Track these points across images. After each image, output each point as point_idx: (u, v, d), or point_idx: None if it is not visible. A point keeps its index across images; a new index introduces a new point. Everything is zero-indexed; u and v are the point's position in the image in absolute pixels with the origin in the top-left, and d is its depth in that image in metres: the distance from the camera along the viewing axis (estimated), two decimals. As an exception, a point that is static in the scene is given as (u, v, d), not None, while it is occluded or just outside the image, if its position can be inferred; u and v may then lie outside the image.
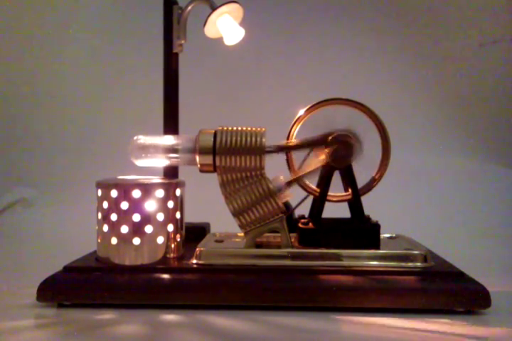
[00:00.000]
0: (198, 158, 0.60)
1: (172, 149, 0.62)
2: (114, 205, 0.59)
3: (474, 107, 1.16)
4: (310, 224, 0.62)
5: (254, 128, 0.61)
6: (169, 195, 0.60)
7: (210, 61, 1.12)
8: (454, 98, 1.17)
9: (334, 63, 1.16)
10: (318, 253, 0.59)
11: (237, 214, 0.60)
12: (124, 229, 0.58)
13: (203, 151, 0.60)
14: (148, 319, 0.53)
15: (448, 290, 0.54)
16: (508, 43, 1.14)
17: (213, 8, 0.70)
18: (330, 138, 0.61)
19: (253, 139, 0.60)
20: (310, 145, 0.62)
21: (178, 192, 0.62)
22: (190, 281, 0.56)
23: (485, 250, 0.89)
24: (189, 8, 0.72)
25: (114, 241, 0.59)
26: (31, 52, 1.20)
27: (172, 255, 0.61)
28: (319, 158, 0.62)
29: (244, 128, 0.61)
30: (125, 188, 0.58)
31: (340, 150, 0.60)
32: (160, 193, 0.59)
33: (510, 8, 1.14)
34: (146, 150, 0.62)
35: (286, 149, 0.63)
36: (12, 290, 0.63)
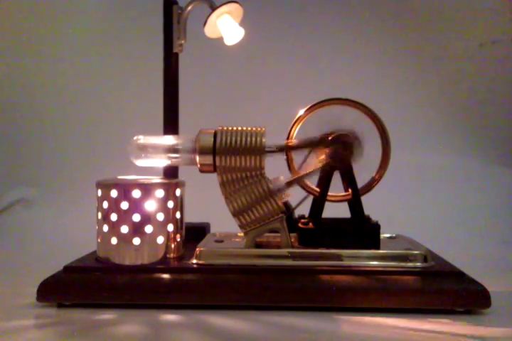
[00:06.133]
0: (198, 158, 0.60)
1: (172, 149, 0.62)
2: (114, 205, 0.59)
3: (474, 107, 1.16)
4: (310, 224, 0.62)
5: (254, 128, 0.61)
6: (169, 195, 0.60)
7: (210, 61, 1.12)
8: (454, 98, 1.17)
9: (334, 63, 1.16)
10: (318, 253, 0.59)
11: (237, 214, 0.60)
12: (124, 229, 0.58)
13: (203, 151, 0.60)
14: (148, 319, 0.53)
15: (448, 290, 0.54)
16: (508, 43, 1.14)
17: (213, 8, 0.70)
18: (330, 138, 0.61)
19: (253, 139, 0.60)
20: (310, 145, 0.62)
21: (178, 192, 0.62)
22: (190, 281, 0.56)
23: (485, 250, 0.89)
24: (189, 8, 0.72)
25: (114, 241, 0.59)
26: (31, 52, 1.19)
27: (172, 255, 0.61)
28: (319, 158, 0.62)
29: (244, 128, 0.61)
30: (125, 188, 0.58)
31: (341, 150, 0.61)
32: (160, 193, 0.59)
33: (510, 8, 1.14)
34: (146, 150, 0.62)
35: (287, 149, 0.63)
36: (12, 290, 0.63)
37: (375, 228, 0.61)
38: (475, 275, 0.57)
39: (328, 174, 0.62)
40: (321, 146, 0.61)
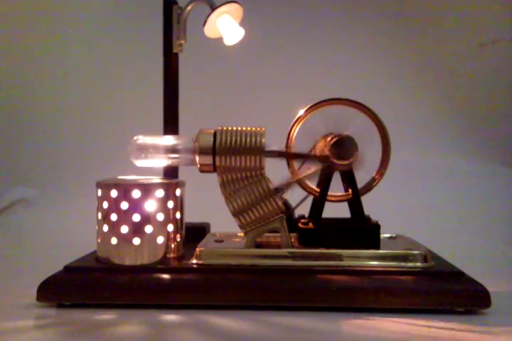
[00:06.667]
0: (197, 158, 0.60)
1: (172, 149, 0.62)
2: (114, 205, 0.59)
3: (474, 107, 1.16)
4: (310, 224, 0.62)
5: (254, 128, 0.61)
6: (169, 195, 0.60)
7: (210, 61, 1.12)
8: (454, 98, 1.17)
9: (334, 63, 1.17)
10: (318, 253, 0.59)
11: (237, 214, 0.60)
12: (124, 229, 0.58)
13: (202, 151, 0.60)
14: (148, 319, 0.53)
15: (448, 290, 0.54)
16: (508, 43, 1.14)
17: (213, 8, 0.70)
18: (330, 139, 0.61)
19: (253, 139, 0.60)
20: (308, 158, 0.62)
21: (178, 192, 0.62)
22: (190, 281, 0.56)
23: (485, 250, 0.89)
24: (189, 8, 0.72)
25: (114, 241, 0.59)
26: (31, 52, 1.19)
27: (172, 255, 0.61)
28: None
29: (244, 128, 0.61)
30: (125, 188, 0.58)
31: (340, 154, 0.60)
32: (160, 193, 0.59)
33: (510, 8, 1.14)
34: (146, 150, 0.62)
35: (286, 156, 0.63)
36: (12, 290, 0.63)
37: (375, 228, 0.61)
38: (475, 275, 0.57)
39: (328, 174, 0.62)
40: (319, 162, 0.61)
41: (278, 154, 0.62)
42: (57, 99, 1.19)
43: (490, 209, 1.07)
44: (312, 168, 0.62)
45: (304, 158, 0.63)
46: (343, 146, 0.60)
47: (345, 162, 0.60)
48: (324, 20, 1.17)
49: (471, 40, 1.15)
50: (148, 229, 0.59)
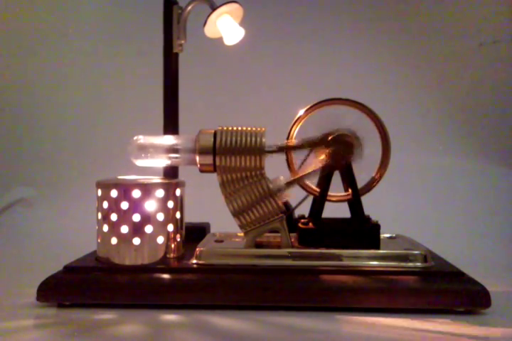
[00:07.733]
0: (198, 158, 0.60)
1: (172, 149, 0.62)
2: (114, 205, 0.59)
3: (474, 107, 1.16)
4: (310, 224, 0.62)
5: (254, 128, 0.61)
6: (169, 195, 0.60)
7: (210, 61, 1.12)
8: (454, 98, 1.17)
9: (334, 63, 1.16)
10: (318, 253, 0.59)
11: (237, 214, 0.60)
12: (124, 229, 0.58)
13: (202, 151, 0.60)
14: (148, 319, 0.53)
15: (448, 290, 0.54)
16: (508, 43, 1.14)
17: (213, 8, 0.70)
18: (330, 138, 0.61)
19: (253, 139, 0.60)
20: (310, 145, 0.62)
21: (178, 192, 0.62)
22: (190, 281, 0.56)
23: (485, 250, 0.89)
24: (189, 8, 0.72)
25: (114, 241, 0.59)
26: (31, 51, 1.19)
27: (172, 255, 0.61)
28: (319, 158, 0.62)
29: (244, 128, 0.61)
30: (125, 188, 0.58)
31: (340, 150, 0.61)
32: (160, 193, 0.59)
33: (510, 8, 1.14)
34: (146, 150, 0.62)
35: (286, 149, 0.63)
36: (12, 290, 0.63)
37: (375, 228, 0.61)
38: (475, 275, 0.57)
39: (328, 174, 0.62)
40: (321, 146, 0.61)
41: (278, 148, 0.62)
42: (57, 99, 1.19)
43: (490, 210, 1.07)
44: (312, 167, 0.62)
45: (304, 147, 0.62)
46: (343, 146, 0.60)
47: (345, 162, 0.61)
48: (324, 21, 1.17)
49: (471, 40, 1.15)
50: (148, 229, 0.59)
